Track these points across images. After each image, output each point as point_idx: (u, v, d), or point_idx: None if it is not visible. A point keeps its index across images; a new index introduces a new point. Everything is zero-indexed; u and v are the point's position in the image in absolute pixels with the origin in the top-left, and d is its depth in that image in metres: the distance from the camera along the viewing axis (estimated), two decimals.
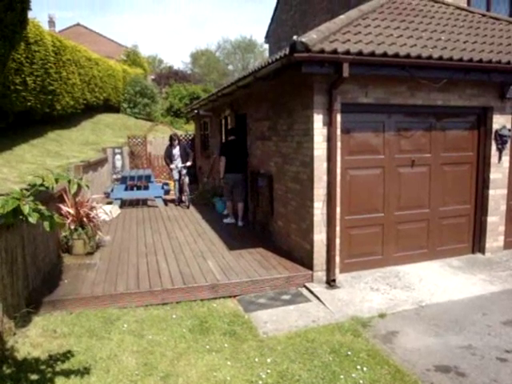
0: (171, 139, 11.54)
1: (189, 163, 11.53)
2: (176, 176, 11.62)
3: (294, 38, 5.04)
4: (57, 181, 2.81)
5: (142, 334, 4.62)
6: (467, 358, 4.12)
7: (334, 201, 5.82)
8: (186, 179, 11.42)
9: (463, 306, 5.29)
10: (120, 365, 4.02)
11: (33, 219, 2.58)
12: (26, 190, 2.89)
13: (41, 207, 2.71)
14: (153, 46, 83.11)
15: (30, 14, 7.11)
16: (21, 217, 2.59)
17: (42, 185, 2.80)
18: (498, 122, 6.76)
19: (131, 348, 4.32)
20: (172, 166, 11.49)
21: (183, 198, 11.59)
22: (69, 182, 2.90)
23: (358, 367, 3.94)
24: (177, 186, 11.71)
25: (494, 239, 7.04)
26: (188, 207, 11.21)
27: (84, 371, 3.86)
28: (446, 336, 4.56)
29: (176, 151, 11.52)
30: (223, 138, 11.91)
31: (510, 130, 6.76)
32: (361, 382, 3.72)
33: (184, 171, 11.43)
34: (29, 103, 11.03)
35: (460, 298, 5.48)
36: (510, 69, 6.11)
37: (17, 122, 11.16)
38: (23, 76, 10.58)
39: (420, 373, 3.89)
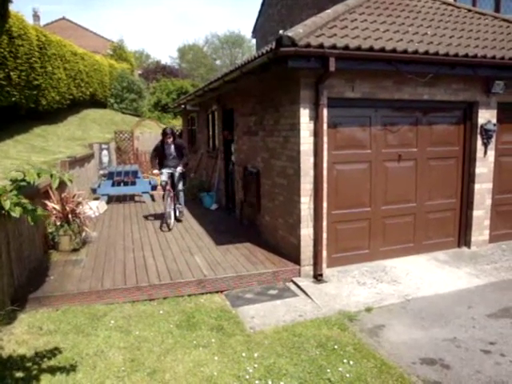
0: (165, 134, 8.55)
1: (179, 168, 8.57)
2: (164, 183, 8.51)
3: (281, 32, 5.03)
4: (39, 175, 2.76)
5: (129, 330, 4.60)
6: (452, 351, 4.17)
7: (320, 195, 5.83)
8: (180, 186, 8.83)
9: (449, 299, 5.34)
10: (107, 361, 3.99)
11: (15, 213, 2.54)
12: (11, 185, 2.85)
13: (24, 201, 2.66)
14: (139, 40, 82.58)
15: (14, 8, 7.01)
16: (3, 212, 2.54)
17: (23, 180, 2.75)
18: (484, 116, 6.83)
19: (118, 344, 4.29)
20: (157, 171, 8.68)
21: (177, 212, 8.91)
22: (51, 176, 2.85)
23: (345, 361, 3.97)
24: (166, 198, 8.44)
25: (480, 233, 7.12)
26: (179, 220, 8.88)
27: (70, 368, 3.83)
28: (431, 329, 4.60)
29: (170, 151, 8.62)
30: (210, 132, 11.86)
31: (494, 125, 6.83)
32: (347, 375, 3.75)
33: (178, 179, 8.72)
34: (13, 98, 10.88)
35: (446, 292, 5.53)
36: (495, 63, 6.17)
37: (1, 118, 11.00)
38: (7, 71, 10.42)
39: (406, 366, 3.93)
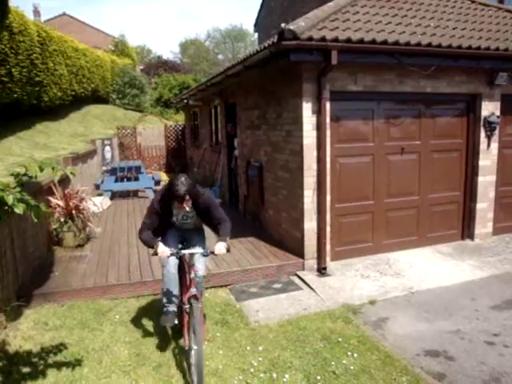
0: (177, 197, 3.69)
1: (221, 247, 3.78)
2: (170, 280, 4.12)
3: (282, 25, 5.00)
4: (41, 169, 2.76)
5: (134, 324, 4.62)
6: (456, 343, 4.18)
7: (323, 189, 5.83)
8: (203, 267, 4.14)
9: (453, 291, 5.35)
10: (112, 356, 4.02)
11: (18, 209, 2.55)
12: (14, 180, 2.86)
13: (27, 197, 2.67)
14: (140, 35, 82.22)
15: (14, 3, 6.96)
16: (6, 208, 2.55)
17: (25, 174, 2.75)
18: (487, 108, 6.79)
19: (123, 339, 4.32)
20: (165, 249, 3.75)
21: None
22: (53, 169, 2.85)
23: (349, 353, 3.98)
24: (171, 309, 4.12)
25: (483, 225, 7.11)
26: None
27: (76, 363, 3.86)
28: (435, 321, 4.61)
29: (184, 213, 4.07)
30: (213, 127, 11.85)
31: (498, 117, 6.79)
32: (351, 367, 3.76)
33: (200, 269, 4.01)
34: (15, 95, 10.86)
35: (450, 284, 5.53)
36: (498, 55, 6.13)
37: (3, 114, 11.00)
38: (8, 67, 10.40)
39: (410, 358, 3.94)
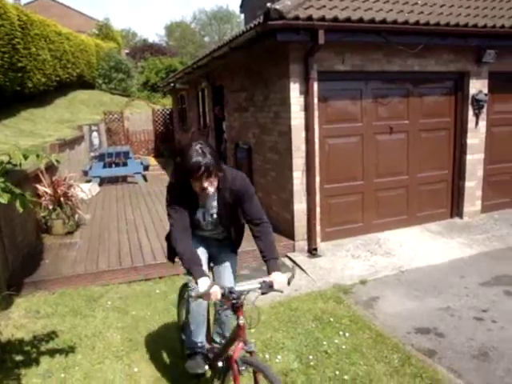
0: (186, 160, 2.55)
1: (284, 282, 2.61)
2: (200, 317, 3.10)
3: (268, 5, 4.93)
4: (25, 157, 2.71)
5: (126, 310, 4.62)
6: (446, 320, 4.23)
7: (313, 170, 5.82)
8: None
9: (442, 269, 5.41)
10: (105, 341, 4.01)
11: (3, 199, 2.50)
12: None
13: (11, 186, 2.62)
14: (125, 18, 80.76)
15: None
16: None
17: (9, 162, 2.70)
18: (475, 86, 6.79)
19: (116, 324, 4.32)
20: (216, 289, 2.47)
21: None
22: (37, 156, 2.80)
23: (341, 333, 4.01)
24: (199, 351, 3.13)
25: (472, 204, 7.17)
26: None
27: (69, 350, 3.85)
28: (425, 299, 4.66)
29: (210, 211, 2.96)
30: (201, 110, 11.75)
31: (486, 95, 6.79)
32: (343, 347, 3.80)
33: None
34: None
35: (439, 262, 5.59)
36: (486, 32, 6.11)
37: None
38: None
39: (401, 336, 3.99)
